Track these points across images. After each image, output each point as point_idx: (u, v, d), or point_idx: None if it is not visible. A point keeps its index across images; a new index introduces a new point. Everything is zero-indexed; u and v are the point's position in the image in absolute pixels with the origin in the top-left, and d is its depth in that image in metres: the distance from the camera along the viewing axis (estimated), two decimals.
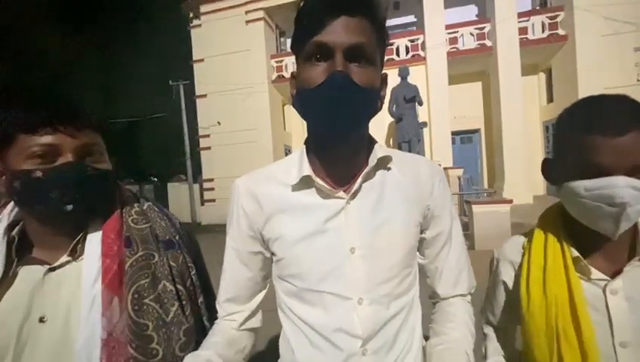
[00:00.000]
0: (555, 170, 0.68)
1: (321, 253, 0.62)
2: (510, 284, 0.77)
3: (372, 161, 0.64)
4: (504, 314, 0.80)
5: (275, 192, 0.66)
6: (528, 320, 0.68)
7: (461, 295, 0.72)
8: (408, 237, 0.65)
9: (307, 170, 0.63)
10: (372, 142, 0.67)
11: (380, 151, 0.65)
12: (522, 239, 0.77)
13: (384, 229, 0.63)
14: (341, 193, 0.63)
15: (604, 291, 0.63)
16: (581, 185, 0.59)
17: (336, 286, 0.61)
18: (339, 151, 0.63)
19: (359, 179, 0.63)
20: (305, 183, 0.64)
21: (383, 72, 0.63)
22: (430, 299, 0.76)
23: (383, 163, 0.66)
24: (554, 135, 0.68)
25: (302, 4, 0.57)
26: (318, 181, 0.62)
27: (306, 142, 0.68)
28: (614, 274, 0.64)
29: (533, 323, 0.67)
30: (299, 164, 0.65)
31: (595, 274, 0.65)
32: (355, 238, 0.62)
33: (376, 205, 0.64)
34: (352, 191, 0.63)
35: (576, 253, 0.65)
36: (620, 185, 0.55)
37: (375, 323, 0.61)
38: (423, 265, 0.72)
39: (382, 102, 0.63)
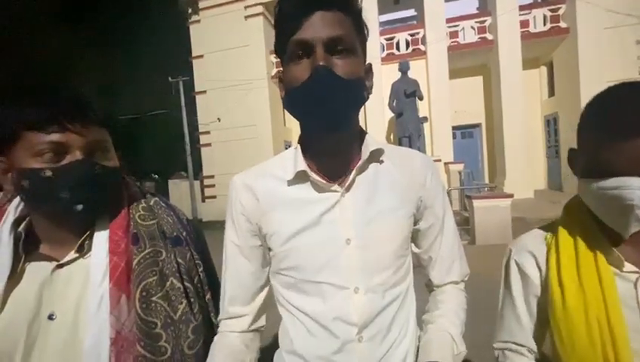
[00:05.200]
0: (577, 161, 0.65)
1: (317, 245, 0.64)
2: (536, 279, 0.70)
3: (364, 154, 0.65)
4: (534, 320, 0.71)
5: (272, 187, 0.67)
6: (564, 320, 0.62)
7: (453, 282, 0.74)
8: (401, 227, 0.67)
9: (302, 166, 0.65)
10: (363, 135, 0.69)
11: (371, 144, 0.67)
12: (543, 232, 0.73)
13: (378, 220, 0.65)
14: (336, 186, 0.65)
15: (635, 286, 0.60)
16: (594, 183, 0.57)
17: (332, 277, 0.63)
18: (331, 145, 0.65)
19: (353, 173, 0.65)
20: (300, 178, 0.65)
21: (368, 62, 0.65)
22: (426, 286, 0.78)
23: (376, 156, 0.67)
24: (578, 125, 0.64)
25: (278, 7, 0.59)
26: (313, 176, 0.64)
27: (300, 139, 0.69)
28: None
29: (571, 324, 0.61)
30: (294, 159, 0.67)
31: (627, 266, 0.61)
32: (350, 230, 0.64)
33: (370, 197, 0.65)
34: (347, 184, 0.65)
35: (607, 243, 0.62)
36: (631, 187, 0.53)
37: (370, 311, 0.63)
38: (417, 255, 0.74)
39: (369, 93, 0.64)
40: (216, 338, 0.71)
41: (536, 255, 0.71)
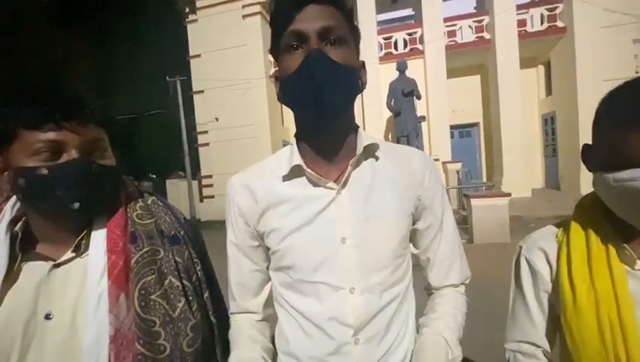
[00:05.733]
0: (591, 156, 0.65)
1: (313, 243, 0.63)
2: (547, 276, 0.69)
3: (359, 148, 0.65)
4: (546, 317, 0.69)
5: (268, 186, 0.67)
6: (575, 319, 0.61)
7: (453, 285, 0.73)
8: (399, 226, 0.66)
9: (297, 160, 0.65)
10: (357, 130, 0.69)
11: (365, 139, 0.67)
12: (555, 229, 0.72)
13: (375, 219, 0.64)
14: (331, 183, 0.64)
15: None
16: (610, 176, 0.57)
17: (328, 276, 0.63)
18: (326, 139, 0.64)
19: (348, 168, 0.64)
20: (296, 173, 0.65)
21: (361, 59, 0.66)
22: (425, 290, 0.77)
23: (371, 151, 0.67)
24: (593, 120, 0.63)
25: (273, 4, 0.62)
26: (308, 170, 0.64)
27: (296, 136, 0.69)
28: None
29: (583, 323, 0.60)
30: (289, 155, 0.67)
31: (638, 264, 0.61)
32: (346, 228, 0.63)
33: (367, 195, 0.65)
34: (342, 180, 0.64)
35: (620, 241, 0.61)
36: None
37: (367, 312, 0.62)
38: (416, 256, 0.73)
39: (362, 87, 0.65)
40: (232, 327, 0.74)
41: (547, 251, 0.70)
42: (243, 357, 0.68)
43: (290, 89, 0.61)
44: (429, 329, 0.67)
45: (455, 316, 0.69)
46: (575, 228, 0.67)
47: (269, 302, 0.74)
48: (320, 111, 0.59)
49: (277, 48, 0.63)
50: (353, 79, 0.62)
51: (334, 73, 0.58)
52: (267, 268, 0.72)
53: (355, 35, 0.64)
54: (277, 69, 0.66)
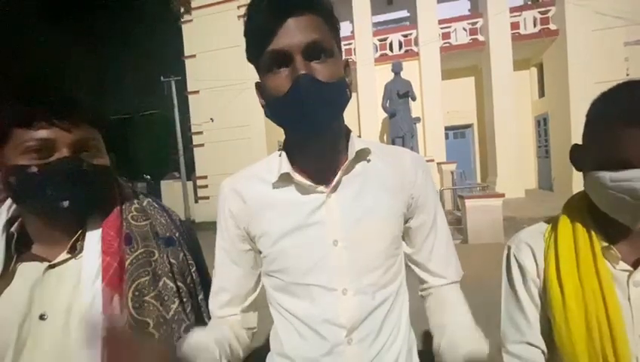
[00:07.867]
0: (582, 156, 0.65)
1: (304, 247, 0.63)
2: (533, 271, 0.70)
3: (351, 154, 0.64)
4: (538, 311, 0.70)
5: (259, 190, 0.67)
6: (564, 319, 0.62)
7: (453, 282, 0.73)
8: (391, 226, 0.66)
9: (286, 168, 0.64)
10: (349, 134, 0.67)
11: (358, 143, 0.66)
12: (542, 228, 0.73)
13: (366, 220, 0.64)
14: (321, 188, 0.64)
15: (627, 283, 0.61)
16: (607, 175, 0.57)
17: (321, 278, 0.63)
18: (317, 148, 0.63)
19: (339, 173, 0.64)
20: (285, 180, 0.65)
21: (344, 58, 0.64)
22: (420, 291, 0.76)
23: (363, 155, 0.66)
24: (586, 120, 0.64)
25: (246, 17, 0.57)
26: (297, 177, 0.63)
27: (285, 141, 0.68)
28: (636, 264, 0.62)
29: (572, 322, 0.61)
30: (279, 162, 0.66)
31: (620, 264, 0.62)
32: (337, 230, 0.63)
33: (358, 196, 0.64)
34: (332, 185, 0.63)
35: (605, 241, 0.63)
36: None
37: (360, 313, 0.62)
38: (410, 255, 0.73)
39: (351, 91, 0.63)
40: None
41: (533, 248, 0.71)
42: (194, 338, 0.62)
43: (278, 112, 0.59)
44: (456, 325, 0.67)
45: (470, 314, 0.69)
46: (563, 227, 0.68)
47: (250, 314, 0.73)
48: (311, 131, 0.58)
49: (255, 62, 0.59)
50: (343, 94, 0.60)
51: (325, 96, 0.55)
52: (254, 276, 0.72)
53: (337, 37, 0.61)
54: (258, 78, 0.63)
